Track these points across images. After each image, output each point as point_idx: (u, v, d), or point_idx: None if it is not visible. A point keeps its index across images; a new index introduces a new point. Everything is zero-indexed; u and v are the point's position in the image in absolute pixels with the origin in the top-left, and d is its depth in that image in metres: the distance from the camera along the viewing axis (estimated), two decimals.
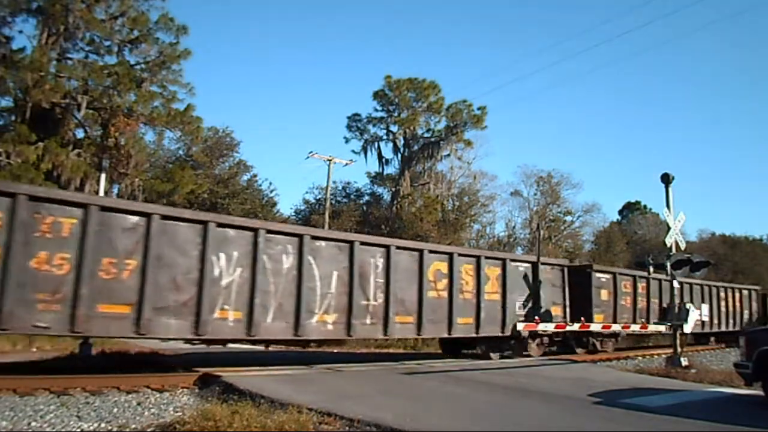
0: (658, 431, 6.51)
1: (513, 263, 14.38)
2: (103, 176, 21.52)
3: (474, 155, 38.53)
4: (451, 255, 12.98)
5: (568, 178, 42.86)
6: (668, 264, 13.56)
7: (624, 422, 6.83)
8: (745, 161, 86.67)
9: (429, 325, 12.22)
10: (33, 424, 6.48)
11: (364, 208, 37.00)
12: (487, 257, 13.91)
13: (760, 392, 8.36)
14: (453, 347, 14.67)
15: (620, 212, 57.69)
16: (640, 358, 15.87)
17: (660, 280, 18.39)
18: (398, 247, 12.08)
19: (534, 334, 14.24)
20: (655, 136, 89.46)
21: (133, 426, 6.77)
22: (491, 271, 13.75)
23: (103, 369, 9.74)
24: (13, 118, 22.68)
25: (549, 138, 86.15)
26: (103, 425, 6.68)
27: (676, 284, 14.21)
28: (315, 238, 10.85)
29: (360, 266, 11.30)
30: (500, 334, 13.60)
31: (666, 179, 14.21)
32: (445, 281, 12.69)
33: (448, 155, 37.18)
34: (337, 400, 7.41)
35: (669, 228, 14.16)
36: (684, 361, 13.17)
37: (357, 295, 11.15)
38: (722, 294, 22.67)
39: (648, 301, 18.38)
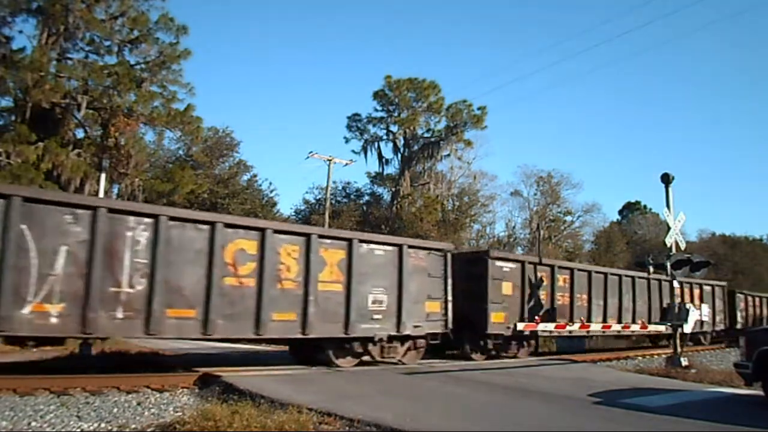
0: (659, 431, 6.52)
1: (366, 245, 11.41)
2: (103, 176, 21.49)
3: (474, 155, 38.62)
4: (262, 231, 10.07)
5: (568, 178, 43.00)
6: (668, 264, 13.58)
7: (624, 422, 6.84)
8: (745, 161, 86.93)
9: (223, 322, 9.44)
10: (33, 424, 6.48)
11: (364, 208, 37.02)
12: (322, 236, 10.94)
13: (760, 392, 8.36)
14: (307, 351, 11.52)
15: (620, 212, 57.81)
16: (640, 358, 15.88)
17: (589, 272, 16.59)
18: (174, 218, 9.24)
19: (404, 338, 11.85)
20: (655, 136, 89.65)
21: (133, 426, 6.77)
22: (330, 254, 10.87)
23: (103, 369, 9.75)
24: (13, 118, 22.66)
25: (549, 138, 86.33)
26: (103, 425, 6.68)
27: (676, 284, 14.21)
28: (31, 200, 8.20)
29: (107, 241, 8.58)
30: (343, 335, 10.87)
31: (666, 179, 14.22)
32: (252, 265, 9.88)
33: (448, 155, 37.25)
34: (337, 400, 7.42)
35: (669, 228, 14.16)
36: (684, 361, 13.19)
37: (101, 278, 8.44)
38: (677, 291, 20.00)
39: (572, 297, 15.67)
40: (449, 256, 12.81)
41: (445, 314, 12.45)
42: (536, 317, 13.89)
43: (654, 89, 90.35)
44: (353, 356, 11.34)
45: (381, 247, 11.76)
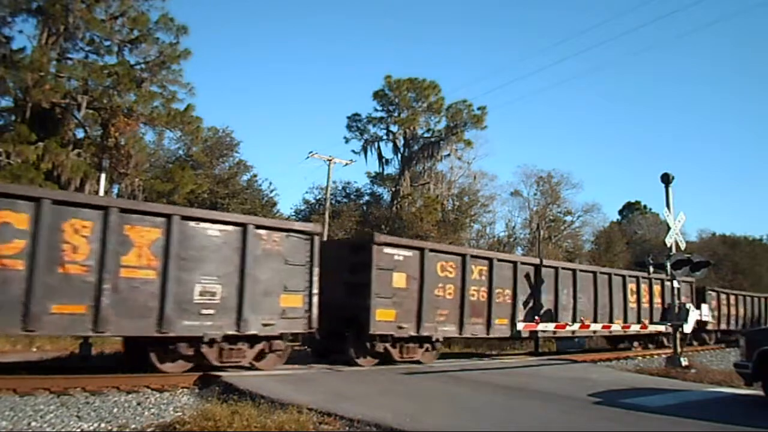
0: (659, 431, 6.52)
1: (193, 224, 9.38)
2: (103, 176, 21.48)
3: (474, 155, 38.51)
4: (37, 201, 8.10)
5: (568, 178, 42.84)
6: (668, 264, 13.58)
7: (624, 422, 6.84)
8: (745, 161, 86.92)
9: None
10: (33, 424, 6.49)
11: (364, 208, 36.98)
12: (127, 210, 8.84)
13: (760, 392, 8.37)
14: (133, 352, 9.89)
15: (620, 212, 57.73)
16: (640, 358, 15.88)
17: (515, 263, 14.41)
18: None
19: (252, 338, 9.99)
20: (655, 136, 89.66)
21: (133, 426, 6.78)
22: (140, 233, 8.83)
23: (103, 369, 9.74)
24: (13, 118, 22.66)
25: (549, 138, 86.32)
26: (103, 425, 6.69)
27: (675, 284, 14.20)
28: None
29: None
30: (157, 334, 8.90)
31: (666, 179, 14.23)
32: (20, 243, 7.95)
33: (448, 155, 37.19)
34: (337, 400, 7.42)
35: (669, 228, 14.17)
36: (684, 361, 13.20)
37: None
38: (632, 286, 17.76)
39: (490, 293, 13.41)
40: (317, 239, 10.81)
41: (309, 310, 10.52)
42: (536, 318, 13.75)
43: (654, 89, 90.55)
44: (185, 360, 9.44)
45: (217, 226, 9.69)
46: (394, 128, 36.58)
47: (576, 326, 13.67)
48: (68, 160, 21.91)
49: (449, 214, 36.11)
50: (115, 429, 6.64)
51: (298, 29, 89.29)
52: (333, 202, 34.83)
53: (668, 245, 14.03)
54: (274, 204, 35.88)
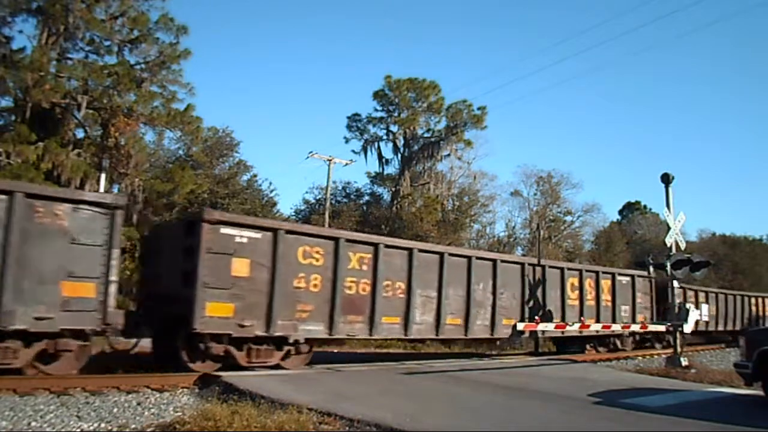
0: (659, 431, 6.52)
1: None
2: (103, 176, 21.48)
3: (474, 155, 38.52)
4: None
5: (568, 178, 42.83)
6: (668, 264, 13.59)
7: (624, 422, 6.85)
8: (745, 161, 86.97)
9: None
10: (33, 424, 6.48)
11: (364, 208, 36.98)
12: None
13: (760, 392, 8.38)
14: None
15: (620, 212, 57.78)
16: (640, 358, 15.88)
17: (410, 250, 12.02)
18: None
19: (23, 335, 8.08)
20: (655, 136, 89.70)
21: (133, 426, 6.77)
22: None
23: (103, 369, 9.73)
24: (13, 118, 22.66)
25: (549, 138, 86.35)
26: (103, 425, 6.69)
27: (675, 284, 14.20)
28: None
29: None
30: None
31: (666, 179, 14.24)
32: None
33: (448, 155, 37.19)
34: (337, 400, 7.42)
35: (669, 228, 14.18)
36: (684, 361, 13.21)
37: None
38: (573, 281, 15.48)
39: (374, 285, 11.30)
40: (119, 214, 8.97)
41: (105, 301, 8.64)
42: (536, 317, 13.68)
43: (654, 89, 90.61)
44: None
45: None
46: (394, 128, 36.59)
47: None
48: (68, 160, 21.89)
49: (449, 214, 36.12)
50: (115, 429, 6.64)
51: (298, 29, 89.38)
52: (333, 202, 34.85)
53: (668, 245, 14.04)
54: (274, 204, 35.89)
